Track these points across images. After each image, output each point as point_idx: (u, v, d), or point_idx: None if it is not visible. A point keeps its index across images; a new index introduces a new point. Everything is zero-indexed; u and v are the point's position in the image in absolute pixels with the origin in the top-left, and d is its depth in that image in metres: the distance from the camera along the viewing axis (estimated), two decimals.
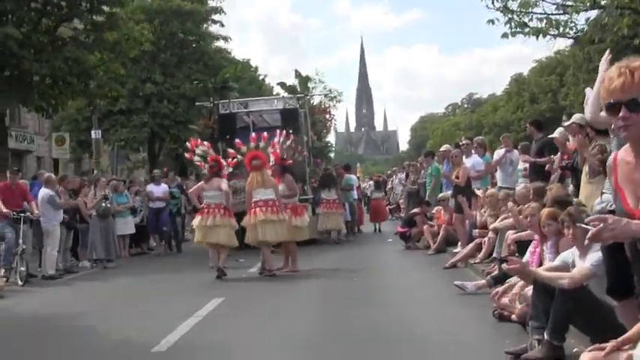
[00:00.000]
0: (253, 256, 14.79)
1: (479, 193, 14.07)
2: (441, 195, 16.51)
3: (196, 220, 14.34)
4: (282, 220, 13.49)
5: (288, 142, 17.80)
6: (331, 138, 66.07)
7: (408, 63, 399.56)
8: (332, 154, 50.99)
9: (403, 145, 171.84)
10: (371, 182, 35.21)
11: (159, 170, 22.90)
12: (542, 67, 63.84)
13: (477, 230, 13.50)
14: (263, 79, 46.40)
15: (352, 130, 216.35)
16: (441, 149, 17.95)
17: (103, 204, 17.28)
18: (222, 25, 35.53)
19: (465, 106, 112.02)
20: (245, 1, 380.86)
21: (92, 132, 29.56)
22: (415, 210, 18.07)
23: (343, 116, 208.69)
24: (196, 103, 26.75)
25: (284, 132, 17.40)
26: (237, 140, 17.36)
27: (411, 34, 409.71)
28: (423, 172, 20.74)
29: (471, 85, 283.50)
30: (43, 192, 15.30)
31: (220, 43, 36.72)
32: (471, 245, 13.35)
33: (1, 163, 22.13)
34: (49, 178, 16.08)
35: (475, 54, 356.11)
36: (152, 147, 37.12)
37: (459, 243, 14.54)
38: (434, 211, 17.19)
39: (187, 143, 15.56)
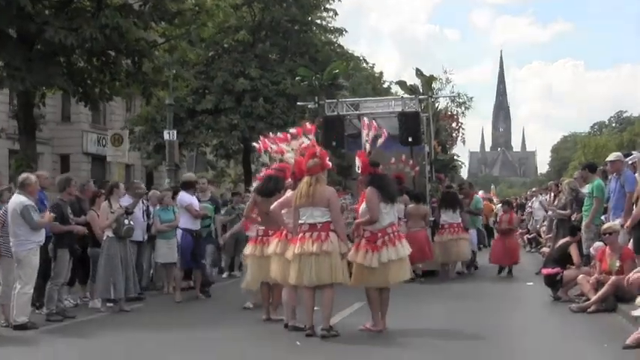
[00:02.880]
0: None
1: None
2: (606, 226, 13.11)
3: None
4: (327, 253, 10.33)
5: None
6: (459, 150, 62.75)
7: (551, 79, 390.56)
8: (462, 170, 48.11)
9: (542, 168, 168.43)
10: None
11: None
12: None
13: None
14: (380, 77, 43.57)
15: (487, 149, 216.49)
16: (610, 158, 14.57)
17: (126, 221, 13.78)
18: (336, 14, 33.35)
19: (614, 125, 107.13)
20: (380, 10, 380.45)
21: (165, 132, 26.74)
22: (567, 239, 14.51)
23: (478, 135, 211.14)
24: (298, 103, 24.31)
25: None
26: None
27: (555, 48, 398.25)
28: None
29: (620, 104, 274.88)
30: (15, 200, 11.87)
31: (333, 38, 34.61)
32: None
33: (25, 162, 19.43)
34: (25, 180, 12.12)
35: (623, 70, 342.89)
36: (248, 155, 34.29)
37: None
38: (592, 250, 14.15)
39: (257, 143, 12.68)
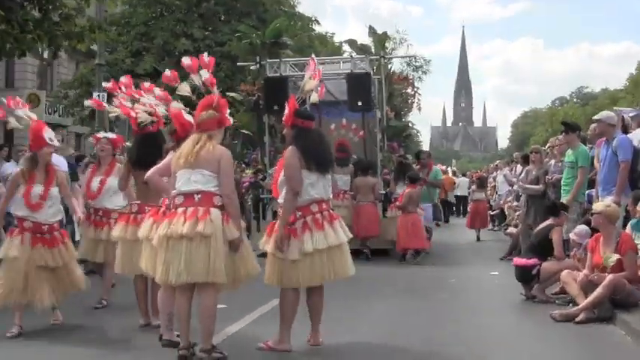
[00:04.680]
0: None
1: None
2: (598, 206, 9.40)
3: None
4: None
5: None
6: (415, 118, 59.19)
7: (512, 56, 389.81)
8: (421, 142, 44.65)
9: (503, 143, 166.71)
10: (463, 179, 29.48)
11: None
12: None
13: None
14: (332, 39, 39.14)
15: (449, 124, 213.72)
16: (598, 117, 10.94)
17: None
18: None
19: (575, 100, 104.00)
20: None
21: (94, 94, 21.72)
22: (548, 222, 10.71)
23: (440, 110, 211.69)
24: (238, 64, 20.57)
25: None
26: None
27: (515, 26, 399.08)
28: (553, 161, 13.87)
29: (579, 81, 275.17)
30: None
31: None
32: None
33: None
34: None
35: (582, 49, 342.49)
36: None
37: None
38: (573, 235, 10.59)
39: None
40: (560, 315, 8.67)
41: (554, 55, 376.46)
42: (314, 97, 8.10)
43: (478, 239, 20.97)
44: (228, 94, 21.23)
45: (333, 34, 40.61)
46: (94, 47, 22.76)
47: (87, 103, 10.07)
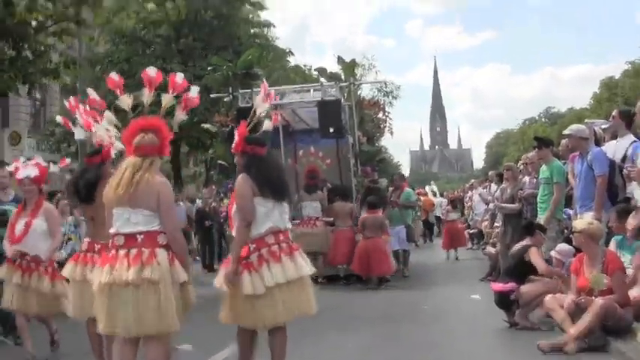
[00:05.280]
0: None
1: None
2: (578, 224, 8.19)
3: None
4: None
5: None
6: (389, 143, 57.83)
7: (481, 82, 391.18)
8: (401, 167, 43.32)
9: (478, 164, 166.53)
10: (442, 200, 28.36)
11: None
12: (637, 70, 55.03)
13: None
14: (307, 70, 37.36)
15: (426, 148, 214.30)
16: (568, 132, 9.78)
17: None
18: (262, 8, 28.40)
19: (543, 120, 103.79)
20: (321, 23, 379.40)
21: (76, 130, 20.61)
22: (524, 243, 9.38)
23: (418, 134, 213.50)
24: (211, 95, 19.35)
25: None
26: None
27: (482, 54, 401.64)
28: (527, 178, 12.65)
29: (545, 102, 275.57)
30: None
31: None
32: None
33: None
34: None
35: (546, 72, 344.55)
36: (176, 156, 29.19)
37: None
38: (554, 254, 9.57)
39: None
40: (548, 346, 7.42)
41: (521, 79, 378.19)
42: (267, 125, 7.11)
43: (456, 259, 20.05)
44: (203, 125, 20.22)
45: (310, 66, 39.21)
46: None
47: (58, 119, 8.45)
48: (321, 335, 8.96)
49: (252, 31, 29.37)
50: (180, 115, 6.22)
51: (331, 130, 15.35)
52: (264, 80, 7.37)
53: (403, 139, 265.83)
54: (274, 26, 31.13)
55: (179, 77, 6.24)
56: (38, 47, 16.28)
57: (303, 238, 14.90)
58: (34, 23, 16.32)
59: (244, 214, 6.25)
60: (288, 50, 31.24)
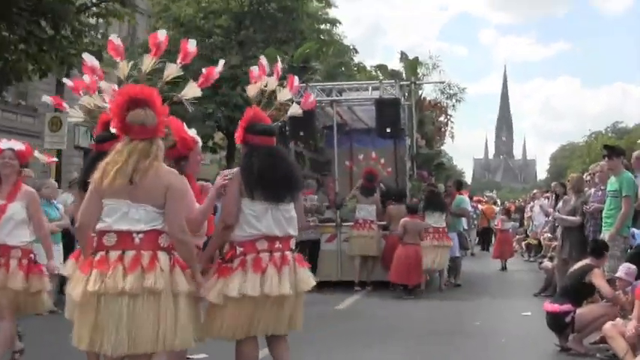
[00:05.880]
0: None
1: None
2: None
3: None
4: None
5: None
6: (450, 148, 55.64)
7: (550, 94, 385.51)
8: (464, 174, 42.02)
9: (541, 175, 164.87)
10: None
11: None
12: None
13: None
14: (362, 66, 35.09)
15: (491, 157, 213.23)
16: None
17: None
18: (330, 5, 27.62)
19: (610, 134, 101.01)
20: (395, 30, 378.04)
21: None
22: (586, 262, 8.49)
23: (483, 143, 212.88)
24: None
25: None
26: None
27: (554, 66, 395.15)
28: (593, 190, 11.45)
29: (613, 117, 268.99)
30: None
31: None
32: None
33: None
34: None
35: (616, 87, 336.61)
36: (232, 150, 28.20)
37: None
38: (622, 274, 8.49)
39: None
40: None
41: (591, 93, 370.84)
42: (294, 109, 6.20)
43: (504, 268, 19.48)
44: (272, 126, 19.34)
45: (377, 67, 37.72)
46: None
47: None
48: (363, 349, 8.35)
49: (316, 26, 28.67)
50: (194, 89, 5.47)
51: (388, 130, 14.91)
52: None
53: (468, 146, 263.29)
54: (340, 23, 30.40)
55: (191, 45, 5.56)
56: (78, 27, 15.72)
57: (357, 241, 14.42)
58: (77, 2, 15.85)
59: (224, 215, 5.47)
60: (352, 47, 30.50)
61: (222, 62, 5.71)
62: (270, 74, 5.86)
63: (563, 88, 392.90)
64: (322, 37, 27.06)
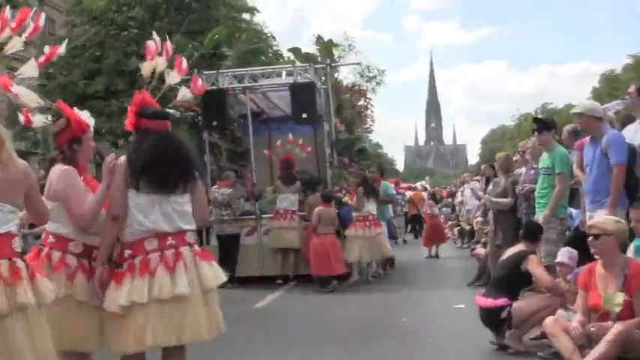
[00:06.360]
0: None
1: None
2: (601, 221, 6.15)
3: None
4: None
5: None
6: (376, 136, 54.54)
7: (478, 79, 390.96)
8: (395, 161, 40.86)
9: (473, 160, 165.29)
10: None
11: None
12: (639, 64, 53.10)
13: None
14: (280, 53, 33.09)
15: (421, 143, 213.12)
16: (578, 110, 7.76)
17: None
18: None
19: (540, 116, 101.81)
20: (319, 19, 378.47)
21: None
22: (519, 247, 7.45)
23: (412, 129, 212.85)
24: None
25: None
26: None
27: (479, 51, 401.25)
28: (524, 169, 10.62)
29: (542, 99, 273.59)
30: None
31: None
32: None
33: None
34: None
35: (543, 70, 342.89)
36: None
37: None
38: (564, 258, 7.63)
39: None
40: None
41: (517, 76, 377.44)
42: (183, 92, 5.57)
43: (437, 256, 18.75)
44: (167, 110, 18.12)
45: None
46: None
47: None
48: (278, 353, 7.50)
49: (233, 15, 27.47)
50: (32, 68, 4.72)
51: (304, 115, 14.11)
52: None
53: (398, 133, 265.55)
54: (258, 11, 29.31)
55: (41, 19, 4.87)
56: None
57: (278, 233, 13.53)
58: None
59: (110, 205, 4.83)
60: (270, 35, 29.38)
61: (65, 42, 5.08)
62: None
63: (489, 72, 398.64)
64: (236, 25, 25.88)
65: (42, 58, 4.87)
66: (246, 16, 29.86)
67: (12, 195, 4.11)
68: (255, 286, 13.06)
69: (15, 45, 4.57)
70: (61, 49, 4.97)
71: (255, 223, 14.19)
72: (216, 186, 13.95)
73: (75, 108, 5.29)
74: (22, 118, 5.16)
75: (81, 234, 4.86)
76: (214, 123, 14.54)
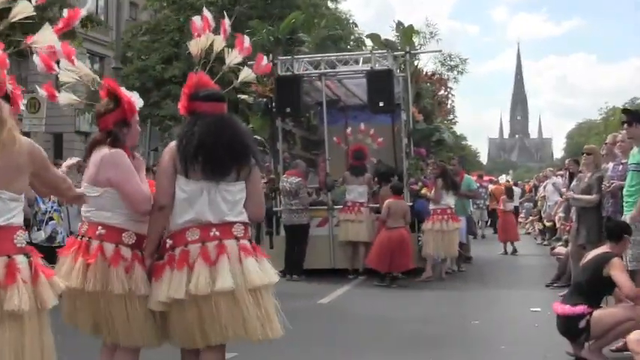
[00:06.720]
0: None
1: None
2: None
3: None
4: None
5: None
6: (462, 129, 53.68)
7: (566, 71, 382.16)
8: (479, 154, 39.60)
9: (558, 154, 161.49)
10: (516, 189, 25.63)
11: None
12: None
13: None
14: (360, 40, 31.53)
15: (506, 136, 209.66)
16: None
17: None
18: None
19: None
20: (406, 9, 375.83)
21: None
22: (602, 249, 6.82)
23: (497, 122, 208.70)
24: (248, 63, 16.98)
25: None
26: None
27: (568, 43, 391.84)
28: (611, 164, 9.51)
29: (631, 94, 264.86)
30: None
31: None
32: None
33: None
34: None
35: (633, 63, 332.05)
36: None
37: None
38: None
39: None
40: None
41: (606, 70, 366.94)
42: (246, 73, 5.22)
43: (514, 252, 17.92)
44: (238, 96, 17.93)
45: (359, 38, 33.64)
46: None
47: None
48: (326, 353, 7.26)
49: (314, 1, 27.12)
50: (50, 35, 4.18)
51: (381, 104, 13.61)
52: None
53: (483, 126, 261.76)
54: None
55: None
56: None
57: (345, 226, 13.14)
58: None
59: (156, 194, 4.51)
60: (352, 22, 28.88)
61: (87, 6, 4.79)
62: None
63: (577, 65, 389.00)
64: (317, 11, 25.49)
65: (60, 24, 4.39)
66: (331, 4, 29.35)
67: (10, 180, 3.66)
68: (325, 279, 12.66)
69: (23, 10, 3.97)
70: (82, 13, 4.50)
71: (327, 213, 13.80)
72: (285, 175, 13.58)
73: (134, 92, 4.87)
74: (44, 92, 4.81)
75: (135, 223, 4.51)
76: (288, 110, 14.20)
